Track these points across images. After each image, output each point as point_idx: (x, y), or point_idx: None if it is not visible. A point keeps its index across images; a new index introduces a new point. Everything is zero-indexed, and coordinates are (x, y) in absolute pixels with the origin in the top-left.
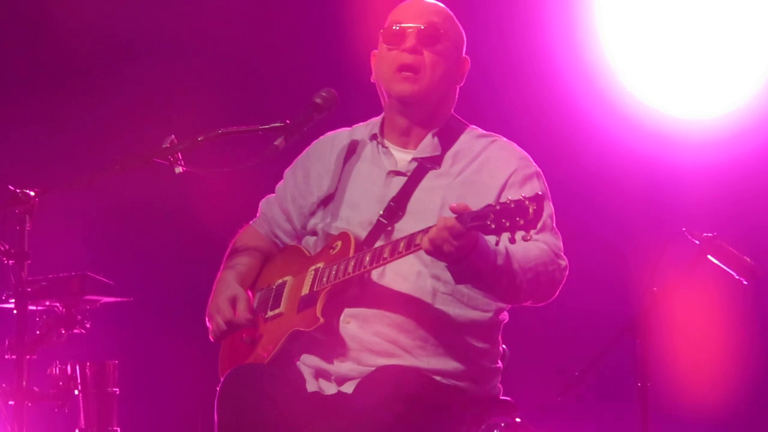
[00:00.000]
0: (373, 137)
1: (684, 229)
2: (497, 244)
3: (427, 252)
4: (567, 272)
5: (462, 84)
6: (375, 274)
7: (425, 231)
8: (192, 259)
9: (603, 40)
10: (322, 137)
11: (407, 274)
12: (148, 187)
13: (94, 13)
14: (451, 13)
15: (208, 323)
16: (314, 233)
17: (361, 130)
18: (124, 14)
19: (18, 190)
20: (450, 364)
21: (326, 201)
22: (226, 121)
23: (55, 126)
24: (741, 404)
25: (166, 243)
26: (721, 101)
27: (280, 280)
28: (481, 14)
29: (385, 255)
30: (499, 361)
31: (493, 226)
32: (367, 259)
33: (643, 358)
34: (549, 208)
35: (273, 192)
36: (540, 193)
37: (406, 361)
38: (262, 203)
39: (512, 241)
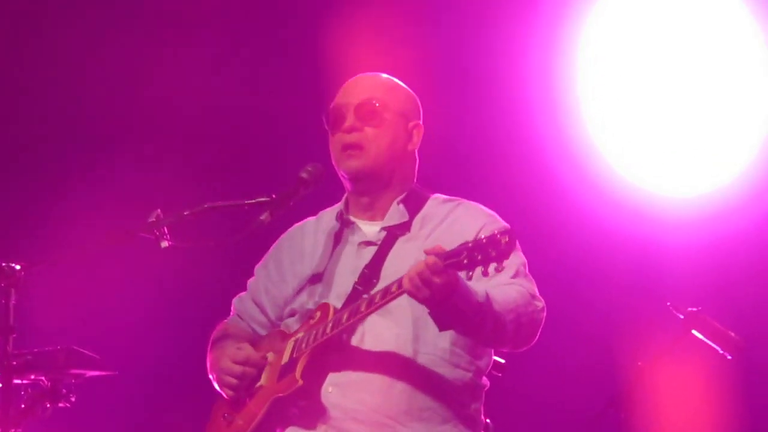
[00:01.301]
0: (339, 216)
1: (669, 303)
2: (470, 278)
3: (410, 293)
4: (545, 314)
5: (416, 149)
6: (355, 340)
7: (399, 281)
8: (178, 332)
9: (586, 117)
10: (290, 229)
11: (386, 337)
12: (134, 262)
13: (78, 90)
14: (397, 82)
15: (218, 383)
16: (293, 314)
17: (328, 215)
18: (107, 91)
19: (3, 264)
20: (436, 430)
21: (302, 285)
22: (212, 195)
23: (40, 200)
24: None
25: (152, 317)
26: (705, 179)
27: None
28: (463, 94)
29: (362, 309)
30: None
31: (466, 262)
32: (345, 316)
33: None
34: (521, 258)
35: (253, 270)
36: (510, 228)
37: (392, 430)
38: (235, 301)
39: (485, 274)
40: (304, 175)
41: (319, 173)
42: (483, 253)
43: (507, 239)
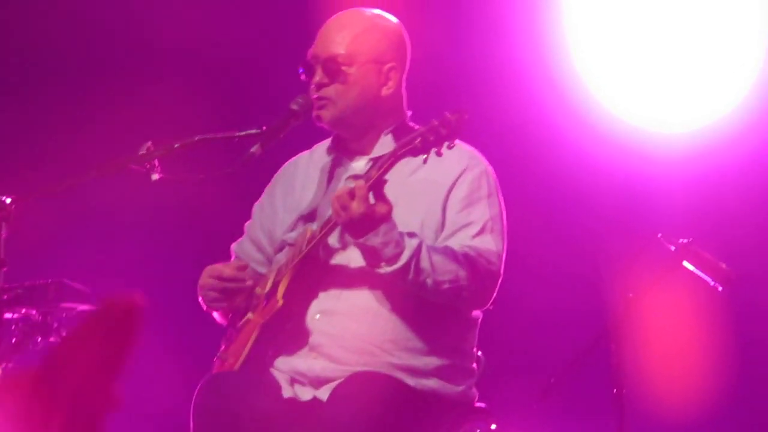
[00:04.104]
0: (329, 151)
1: (659, 235)
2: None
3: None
4: (495, 281)
5: (393, 90)
6: (338, 258)
7: None
8: (169, 266)
9: (573, 50)
10: (285, 164)
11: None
12: (125, 195)
13: (69, 17)
14: (372, 22)
15: (204, 302)
16: (282, 247)
17: (320, 149)
18: (98, 18)
19: None
20: (422, 360)
21: (292, 219)
22: (203, 127)
23: (30, 132)
24: (716, 409)
25: (143, 250)
26: (697, 114)
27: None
28: (446, 27)
29: (333, 217)
30: (474, 364)
31: (420, 145)
32: (318, 230)
33: (619, 364)
34: (491, 211)
35: (249, 198)
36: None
37: (378, 358)
38: (233, 247)
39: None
40: (294, 106)
41: (309, 104)
42: (435, 134)
43: (457, 117)
